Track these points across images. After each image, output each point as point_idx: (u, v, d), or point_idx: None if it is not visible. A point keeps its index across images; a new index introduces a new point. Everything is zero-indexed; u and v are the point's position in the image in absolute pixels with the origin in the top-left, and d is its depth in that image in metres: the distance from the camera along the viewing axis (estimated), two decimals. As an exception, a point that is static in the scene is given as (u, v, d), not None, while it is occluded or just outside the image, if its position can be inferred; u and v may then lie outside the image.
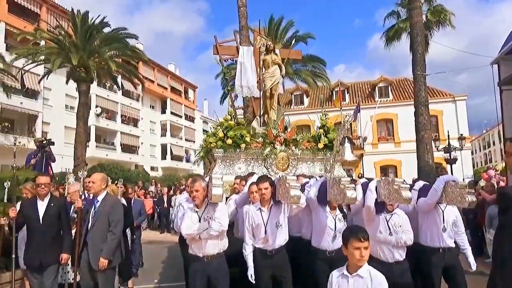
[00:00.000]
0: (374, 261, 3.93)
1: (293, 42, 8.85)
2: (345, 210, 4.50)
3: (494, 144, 54.66)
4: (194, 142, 47.44)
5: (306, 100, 32.05)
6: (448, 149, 19.74)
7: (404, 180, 3.93)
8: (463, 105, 28.16)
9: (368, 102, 29.47)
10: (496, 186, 9.54)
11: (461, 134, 22.68)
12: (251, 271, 3.99)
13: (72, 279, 4.94)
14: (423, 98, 13.39)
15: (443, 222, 4.24)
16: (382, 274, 3.80)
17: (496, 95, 10.75)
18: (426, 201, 4.22)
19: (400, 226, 4.01)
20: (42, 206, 4.61)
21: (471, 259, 4.33)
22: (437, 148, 18.80)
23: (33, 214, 4.57)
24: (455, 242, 4.36)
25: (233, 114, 7.00)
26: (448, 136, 20.34)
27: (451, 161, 19.86)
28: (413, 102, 14.33)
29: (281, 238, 4.13)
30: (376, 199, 3.93)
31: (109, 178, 5.98)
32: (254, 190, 4.27)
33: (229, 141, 6.41)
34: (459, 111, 27.85)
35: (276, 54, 7.39)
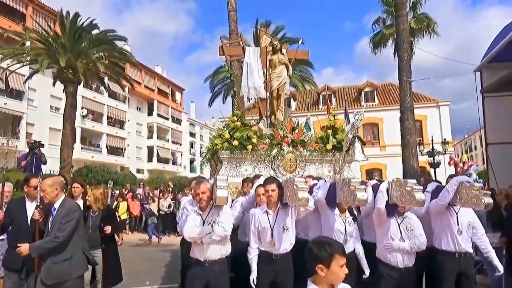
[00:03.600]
0: (384, 266, 3.88)
1: (299, 42, 8.63)
2: (355, 212, 4.35)
3: (476, 148, 55.91)
4: (180, 144, 47.31)
5: (293, 104, 32.32)
6: (432, 153, 20.20)
7: (416, 183, 3.76)
8: (446, 110, 28.83)
9: (354, 107, 29.86)
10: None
11: (444, 139, 23.22)
12: (253, 276, 3.85)
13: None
14: (409, 103, 13.70)
15: (458, 225, 4.02)
16: (389, 279, 3.78)
17: (479, 101, 11.10)
18: (437, 202, 4.05)
19: (412, 230, 3.88)
20: (31, 207, 4.38)
21: (496, 261, 4.06)
22: (421, 152, 19.23)
23: (21, 215, 4.40)
24: (474, 247, 4.13)
25: (239, 115, 6.86)
26: (432, 140, 20.82)
27: (435, 165, 20.31)
28: (398, 107, 14.65)
29: (287, 243, 3.97)
30: (387, 202, 3.82)
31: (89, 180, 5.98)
32: (261, 192, 4.17)
33: (235, 143, 6.29)
34: (442, 116, 28.51)
35: (283, 54, 7.29)
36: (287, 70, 7.20)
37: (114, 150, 35.85)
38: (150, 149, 42.16)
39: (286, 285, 3.94)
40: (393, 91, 30.34)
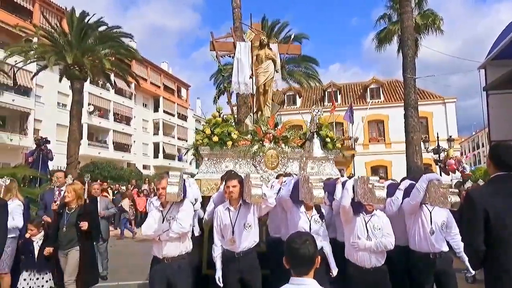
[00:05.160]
0: (352, 266, 3.77)
1: (292, 37, 8.43)
2: (323, 210, 4.20)
3: (483, 145, 55.53)
4: (186, 141, 47.47)
5: (298, 100, 32.32)
6: (437, 150, 20.12)
7: (392, 179, 3.75)
8: (452, 107, 28.67)
9: (360, 103, 29.80)
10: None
11: (450, 136, 23.10)
12: (218, 274, 3.76)
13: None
14: (413, 100, 13.68)
15: (431, 224, 3.91)
16: (358, 280, 3.68)
17: (483, 99, 11.04)
18: (409, 201, 3.97)
19: (379, 229, 3.75)
20: None
21: (467, 262, 3.83)
22: (426, 149, 19.16)
23: None
24: (449, 245, 4.03)
25: (222, 110, 6.65)
26: (438, 137, 20.74)
27: (440, 162, 20.23)
28: (403, 104, 14.62)
29: (250, 240, 3.86)
30: (353, 199, 3.72)
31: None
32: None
33: (215, 138, 6.10)
34: (448, 113, 28.36)
35: (270, 49, 7.09)
36: (275, 65, 6.99)
37: (120, 146, 36.15)
38: (156, 146, 42.42)
39: (254, 283, 3.87)
40: (399, 88, 30.16)
